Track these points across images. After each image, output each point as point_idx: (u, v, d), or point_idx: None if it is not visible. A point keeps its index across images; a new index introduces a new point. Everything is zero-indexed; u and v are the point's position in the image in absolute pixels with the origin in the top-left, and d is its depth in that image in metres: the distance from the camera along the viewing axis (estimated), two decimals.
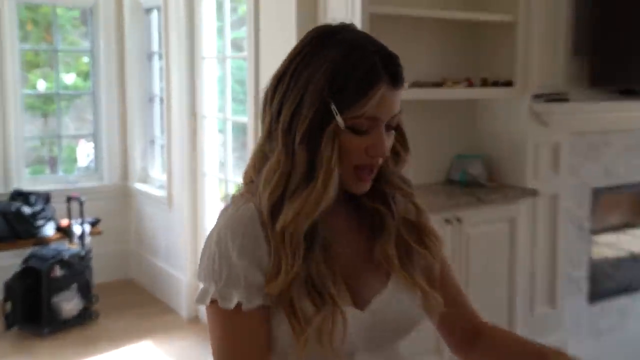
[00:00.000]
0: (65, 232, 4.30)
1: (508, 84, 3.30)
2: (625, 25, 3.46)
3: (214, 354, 1.06)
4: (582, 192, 3.66)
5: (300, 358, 1.01)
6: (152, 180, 4.81)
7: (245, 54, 3.49)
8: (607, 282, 3.93)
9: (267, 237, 1.02)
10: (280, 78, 1.05)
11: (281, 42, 3.10)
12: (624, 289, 3.97)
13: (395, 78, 1.03)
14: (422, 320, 1.15)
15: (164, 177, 4.53)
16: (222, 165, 4.04)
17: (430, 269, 1.17)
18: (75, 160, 5.19)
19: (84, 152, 5.12)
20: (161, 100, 4.58)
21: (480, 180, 3.39)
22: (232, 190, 4.03)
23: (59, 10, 4.93)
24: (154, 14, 4.63)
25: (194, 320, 4.19)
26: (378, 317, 1.08)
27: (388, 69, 1.02)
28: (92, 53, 4.91)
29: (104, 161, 4.95)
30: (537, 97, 3.35)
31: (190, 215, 4.15)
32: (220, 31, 3.91)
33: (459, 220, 3.05)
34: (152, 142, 4.86)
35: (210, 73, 3.98)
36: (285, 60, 1.07)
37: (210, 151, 4.08)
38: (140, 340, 3.91)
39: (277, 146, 1.04)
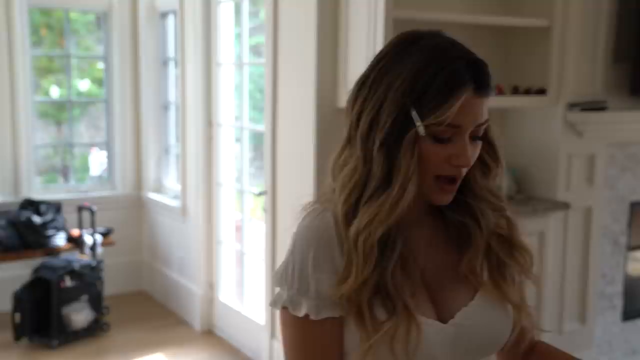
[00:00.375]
0: (76, 243, 4.21)
1: (541, 92, 3.15)
2: None
3: (285, 357, 1.08)
4: (618, 206, 3.51)
5: None
6: (166, 190, 4.70)
7: (263, 60, 3.36)
8: None
9: (341, 243, 1.02)
10: (362, 84, 1.04)
11: (300, 49, 2.98)
12: None
13: (480, 85, 0.99)
14: (509, 336, 1.11)
15: (178, 187, 4.42)
16: (239, 175, 3.91)
17: (521, 284, 1.14)
18: (87, 169, 5.08)
19: (97, 161, 5.01)
20: (176, 107, 4.48)
21: (509, 192, 3.24)
22: (248, 201, 3.93)
23: (73, 15, 4.85)
24: (170, 19, 4.52)
25: (208, 333, 4.10)
26: (462, 331, 1.05)
27: (472, 75, 0.99)
28: (106, 59, 4.81)
29: (117, 170, 4.85)
30: (573, 106, 3.21)
31: (205, 226, 4.03)
32: (238, 37, 3.79)
33: None
34: (167, 150, 4.75)
35: (227, 80, 3.86)
36: (368, 65, 1.06)
37: (227, 161, 3.96)
38: (152, 353, 3.83)
39: (355, 152, 1.03)
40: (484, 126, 1.03)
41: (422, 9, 2.91)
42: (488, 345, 1.10)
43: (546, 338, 3.34)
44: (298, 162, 3.08)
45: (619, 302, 3.62)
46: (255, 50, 4.15)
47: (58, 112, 4.98)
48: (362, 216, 1.01)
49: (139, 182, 4.85)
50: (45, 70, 4.94)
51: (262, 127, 3.45)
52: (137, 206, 4.85)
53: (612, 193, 3.46)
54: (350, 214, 1.02)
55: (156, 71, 4.64)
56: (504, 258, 1.11)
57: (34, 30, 4.74)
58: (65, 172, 4.97)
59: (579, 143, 3.26)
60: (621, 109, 3.29)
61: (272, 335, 3.39)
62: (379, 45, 2.65)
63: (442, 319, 1.05)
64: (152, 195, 4.72)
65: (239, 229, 4.00)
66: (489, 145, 1.08)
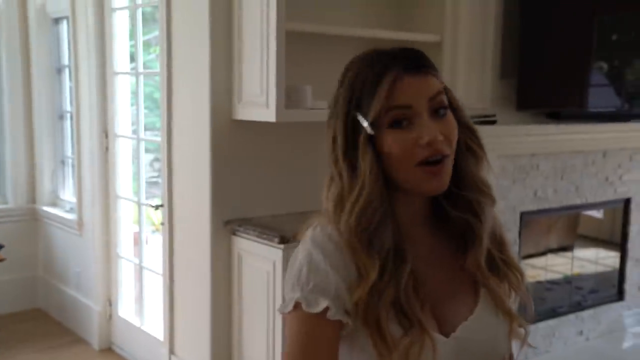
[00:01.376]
0: None
1: None
2: (551, 50, 3.49)
3: (289, 357, 1.03)
4: (510, 216, 3.66)
5: None
6: (63, 203, 4.57)
7: (157, 70, 3.32)
8: (534, 304, 3.93)
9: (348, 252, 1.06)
10: (327, 122, 1.12)
11: (195, 61, 2.97)
12: (553, 312, 3.99)
13: (409, 64, 1.04)
14: (508, 348, 1.14)
15: (74, 200, 4.31)
16: (138, 187, 3.85)
17: (509, 296, 1.15)
18: None
19: None
20: (71, 117, 4.36)
21: None
22: (146, 214, 3.87)
23: None
24: (64, 25, 4.40)
25: (107, 351, 4.01)
26: (464, 344, 1.07)
27: (399, 59, 1.05)
28: None
29: (8, 182, 4.67)
30: None
31: (102, 239, 3.95)
32: (135, 46, 3.74)
33: None
34: (63, 162, 4.62)
35: (123, 89, 3.80)
36: None
37: (124, 172, 3.89)
38: None
39: (333, 173, 1.10)
40: (440, 97, 1.06)
41: (315, 22, 2.96)
42: (489, 357, 1.11)
43: None
44: (194, 174, 3.06)
45: (513, 307, 3.77)
46: (149, 60, 4.10)
47: None
48: (342, 217, 1.06)
49: (32, 194, 4.69)
50: None
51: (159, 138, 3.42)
52: (31, 220, 4.68)
53: (505, 203, 3.61)
54: (337, 221, 1.07)
55: (50, 79, 4.50)
56: (498, 261, 1.14)
57: None
58: None
59: None
60: (509, 123, 3.44)
61: (171, 350, 3.35)
62: (272, 58, 2.69)
63: (444, 332, 1.07)
64: (47, 209, 4.57)
65: (138, 242, 3.94)
66: (469, 130, 1.13)
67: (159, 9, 3.16)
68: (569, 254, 4.18)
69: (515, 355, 1.21)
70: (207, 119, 2.91)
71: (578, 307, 4.15)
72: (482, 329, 1.09)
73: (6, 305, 4.35)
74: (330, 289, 1.03)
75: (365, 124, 1.05)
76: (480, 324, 1.09)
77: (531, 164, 3.70)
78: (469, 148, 1.12)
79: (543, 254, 4.07)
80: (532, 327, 3.58)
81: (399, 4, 3.34)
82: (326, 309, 1.01)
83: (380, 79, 1.03)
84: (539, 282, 4.03)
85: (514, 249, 3.62)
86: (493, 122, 3.37)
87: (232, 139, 2.97)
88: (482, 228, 1.11)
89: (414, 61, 1.05)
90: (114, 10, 3.71)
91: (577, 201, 3.98)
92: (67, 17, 4.10)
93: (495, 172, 3.42)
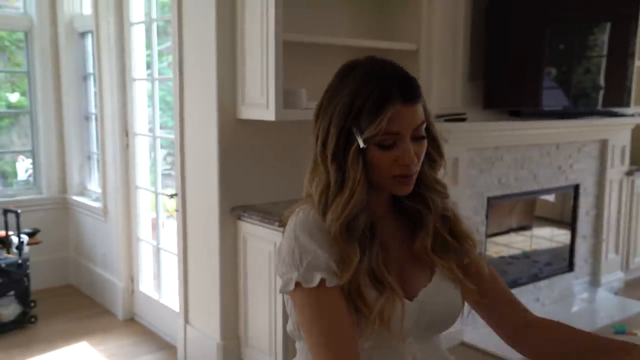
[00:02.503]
0: (3, 243, 3.93)
1: None
2: (512, 57, 3.44)
3: (308, 335, 1.04)
4: (478, 201, 3.61)
5: (365, 340, 1.03)
6: (89, 193, 4.48)
7: (172, 76, 3.24)
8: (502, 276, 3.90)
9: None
10: (317, 111, 1.10)
11: (203, 68, 2.89)
12: (514, 283, 3.95)
13: (406, 96, 1.03)
14: (462, 311, 1.15)
15: (99, 190, 4.21)
16: (154, 179, 3.77)
17: (464, 265, 1.15)
18: (17, 175, 4.77)
19: (23, 167, 4.71)
20: (96, 118, 4.27)
21: None
22: (162, 202, 3.79)
23: (2, 34, 4.53)
24: (89, 38, 4.30)
25: (130, 321, 3.93)
26: (425, 307, 1.09)
27: (399, 89, 1.03)
28: (29, 74, 4.51)
29: (43, 175, 4.56)
30: (438, 117, 3.27)
31: (124, 224, 3.87)
32: (150, 55, 3.65)
33: None
34: (89, 157, 4.52)
35: (141, 93, 3.71)
36: (322, 95, 1.11)
37: (143, 166, 3.80)
38: (77, 341, 3.62)
39: (319, 167, 1.10)
40: (422, 126, 1.07)
41: (308, 33, 2.89)
42: (447, 319, 1.13)
43: None
44: (204, 167, 2.99)
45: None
46: (171, 67, 4.00)
47: None
48: (329, 217, 1.06)
49: (63, 186, 4.59)
50: None
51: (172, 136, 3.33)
52: (62, 208, 4.59)
53: (473, 190, 3.56)
54: (324, 214, 1.07)
55: (77, 85, 4.39)
56: (447, 237, 1.15)
57: None
58: (3, 178, 4.64)
59: (445, 148, 3.32)
60: (477, 120, 3.38)
61: (186, 320, 3.29)
62: (271, 64, 2.61)
63: (408, 297, 1.08)
64: (76, 198, 4.48)
65: (155, 227, 3.87)
66: (433, 141, 1.13)
67: (171, 23, 3.07)
68: (527, 232, 4.14)
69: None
70: (215, 118, 2.84)
71: (535, 278, 4.11)
72: (439, 294, 1.12)
73: (43, 282, 4.26)
74: (321, 264, 1.03)
75: (359, 139, 1.04)
76: (437, 289, 1.12)
77: (496, 155, 3.64)
78: (429, 156, 1.13)
79: (506, 232, 4.03)
80: None
81: (381, 16, 3.27)
82: (322, 281, 1.02)
83: (382, 109, 1.02)
84: (502, 257, 3.98)
85: (481, 229, 3.59)
86: (463, 120, 3.31)
87: (236, 136, 2.90)
88: (430, 216, 1.14)
89: (411, 91, 1.05)
90: (132, 24, 3.61)
91: (535, 187, 3.93)
92: (91, 31, 4.00)
93: (465, 163, 3.39)
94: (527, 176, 3.84)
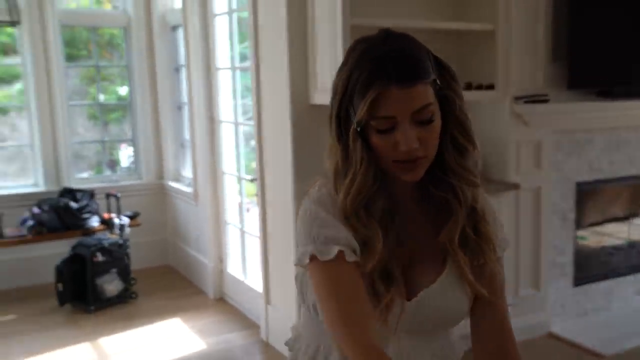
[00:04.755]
0: (107, 224, 4.35)
1: (490, 87, 3.17)
2: (600, 31, 3.28)
3: (326, 311, 0.99)
4: (565, 186, 3.50)
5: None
6: (183, 178, 4.82)
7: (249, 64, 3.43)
8: (593, 267, 3.76)
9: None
10: (332, 86, 1.06)
11: (277, 55, 3.03)
12: (609, 274, 3.79)
13: (402, 77, 0.95)
14: (465, 315, 1.09)
15: (191, 176, 4.53)
16: (238, 164, 4.00)
17: (480, 268, 1.08)
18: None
19: (126, 155, 5.15)
20: (187, 107, 4.58)
21: None
22: (246, 187, 4.01)
23: (115, 31, 4.95)
24: (180, 31, 4.62)
25: (220, 300, 4.21)
26: (421, 309, 1.05)
27: (393, 69, 0.95)
28: (128, 67, 4.93)
29: (142, 162, 4.98)
30: (518, 98, 3.22)
31: (212, 209, 4.14)
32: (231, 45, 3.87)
33: None
34: (183, 145, 4.86)
35: (225, 82, 3.94)
36: None
37: (228, 152, 4.05)
38: (172, 317, 3.95)
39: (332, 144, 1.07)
40: (426, 110, 0.98)
41: (379, 16, 2.94)
42: (445, 322, 1.08)
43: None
44: (279, 152, 3.15)
45: (569, 270, 3.63)
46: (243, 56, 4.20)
47: (103, 114, 5.10)
48: (340, 194, 1.03)
49: (160, 172, 4.98)
50: (91, 79, 5.04)
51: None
52: (160, 193, 4.97)
53: (560, 175, 3.46)
54: (336, 191, 1.05)
55: (170, 77, 4.73)
56: (471, 235, 1.07)
57: (84, 45, 4.86)
58: (111, 164, 5.07)
59: (526, 131, 3.27)
60: (561, 101, 3.28)
61: (267, 301, 3.48)
62: (340, 50, 2.70)
63: (407, 294, 1.04)
64: (172, 183, 4.84)
65: (241, 210, 4.09)
66: (460, 126, 1.05)
67: (248, 15, 3.25)
68: (629, 221, 3.94)
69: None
70: (288, 104, 2.98)
71: (636, 269, 3.91)
72: (442, 296, 1.05)
73: (143, 262, 4.65)
74: (340, 237, 0.99)
75: (354, 121, 1.00)
76: (441, 291, 1.05)
77: (586, 138, 3.50)
78: (455, 140, 1.06)
79: (606, 221, 3.86)
80: (592, 287, 3.40)
81: None
82: (340, 254, 0.98)
83: (369, 87, 0.96)
84: (603, 247, 3.84)
85: (569, 215, 3.49)
86: (546, 101, 3.22)
87: (310, 121, 3.01)
88: (459, 208, 1.06)
89: (406, 71, 0.96)
90: (215, 15, 3.85)
91: (633, 172, 3.73)
92: (181, 25, 4.29)
93: (549, 146, 3.30)
94: (622, 160, 3.65)
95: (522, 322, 3.36)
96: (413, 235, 1.08)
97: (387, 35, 1.01)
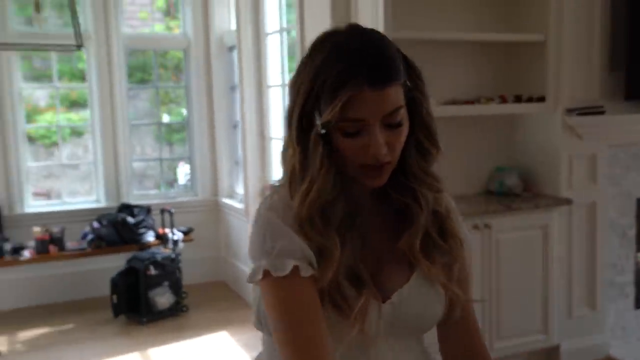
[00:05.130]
0: (162, 239, 4.49)
1: (541, 99, 3.10)
2: None
3: (276, 331, 0.94)
4: (625, 202, 3.36)
5: (341, 339, 0.95)
6: (237, 195, 4.91)
7: None
8: None
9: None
10: (289, 84, 1.00)
11: None
12: None
13: (374, 79, 0.89)
14: (442, 315, 1.05)
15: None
16: None
17: (450, 267, 1.05)
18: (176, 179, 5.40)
19: (183, 172, 5.31)
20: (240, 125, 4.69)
21: (516, 190, 3.20)
22: None
23: (178, 53, 5.16)
24: (235, 52, 4.76)
25: None
26: (398, 310, 1.00)
27: (366, 70, 0.89)
28: (186, 88, 5.11)
29: (198, 179, 5.12)
30: (571, 110, 3.13)
31: None
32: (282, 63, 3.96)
33: (487, 226, 2.88)
34: (237, 162, 4.97)
35: (276, 100, 4.03)
36: None
37: (278, 168, 4.10)
38: (220, 330, 4.01)
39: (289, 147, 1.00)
40: (397, 113, 0.93)
41: (424, 29, 2.94)
42: (422, 323, 1.05)
43: (555, 323, 3.23)
44: None
45: (630, 291, 3.45)
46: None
47: (168, 135, 5.31)
48: (295, 200, 0.96)
49: (215, 189, 5.10)
50: (161, 101, 5.24)
51: None
52: (214, 209, 5.08)
53: (618, 189, 3.32)
54: (292, 197, 0.98)
55: (226, 96, 4.87)
56: (436, 238, 1.04)
57: (156, 69, 5.10)
58: (172, 182, 5.27)
59: (579, 144, 3.17)
60: (618, 113, 3.16)
61: None
62: None
63: (381, 297, 1.00)
64: (226, 200, 4.94)
65: None
66: (426, 129, 1.01)
67: (296, 32, 3.33)
68: None
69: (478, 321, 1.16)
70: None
71: None
72: (415, 297, 1.01)
73: (195, 277, 4.74)
74: (295, 249, 0.93)
75: (318, 122, 0.93)
76: (414, 291, 1.01)
77: None
78: (419, 144, 1.01)
79: None
80: None
81: (505, 6, 3.21)
82: (295, 269, 0.92)
83: (340, 89, 0.89)
84: None
85: (629, 232, 3.33)
86: (601, 113, 3.12)
87: None
88: (420, 214, 1.01)
89: (379, 73, 0.90)
90: (266, 35, 3.96)
91: None
92: (235, 46, 4.42)
93: (605, 160, 3.18)
94: None
95: (577, 343, 3.23)
96: (377, 239, 1.03)
97: (357, 32, 0.94)
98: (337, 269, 0.94)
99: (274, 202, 0.98)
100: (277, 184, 1.03)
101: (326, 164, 0.95)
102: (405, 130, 0.96)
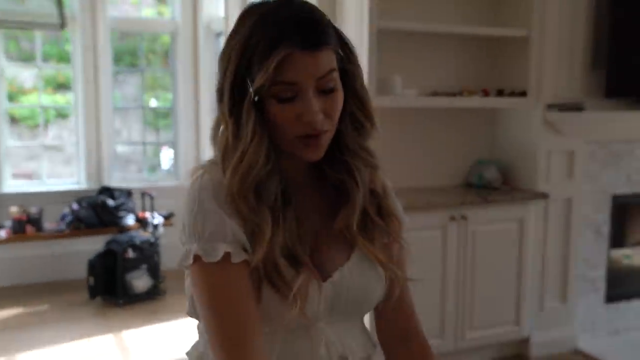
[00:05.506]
0: (142, 222, 4.47)
1: (523, 94, 3.13)
2: None
3: (205, 319, 0.91)
4: (600, 198, 3.40)
5: (283, 321, 0.93)
6: None
7: None
8: (628, 284, 3.62)
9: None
10: (218, 59, 0.98)
11: None
12: None
13: (306, 40, 0.88)
14: (382, 295, 1.03)
15: None
16: None
17: (389, 247, 1.05)
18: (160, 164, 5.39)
19: (166, 157, 5.30)
20: None
21: (495, 184, 3.23)
22: None
23: (166, 38, 5.12)
24: (222, 39, 4.75)
25: None
26: (339, 289, 0.98)
27: (297, 32, 0.88)
28: (173, 74, 5.09)
29: (181, 165, 5.11)
30: (551, 106, 3.16)
31: None
32: None
33: (463, 217, 2.91)
34: None
35: None
36: None
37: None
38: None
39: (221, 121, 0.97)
40: (329, 77, 0.91)
41: (408, 19, 2.96)
42: (363, 303, 1.02)
43: (527, 314, 3.26)
44: None
45: (601, 285, 3.50)
46: None
47: (155, 120, 5.29)
48: (227, 175, 0.93)
49: None
50: (149, 86, 5.21)
51: None
52: None
53: (594, 186, 3.36)
54: (224, 173, 0.94)
55: (212, 82, 4.82)
56: (374, 217, 1.02)
57: (142, 53, 5.07)
58: (155, 167, 5.24)
59: (558, 140, 3.21)
60: (597, 110, 3.20)
61: None
62: (365, 52, 2.74)
63: (321, 277, 0.98)
64: None
65: None
66: (360, 102, 0.99)
67: None
68: None
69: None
70: None
71: None
72: (356, 275, 1.00)
73: (174, 261, 4.67)
74: (226, 232, 0.91)
75: (251, 89, 0.90)
76: (355, 270, 1.00)
77: (625, 149, 3.40)
78: (354, 118, 0.99)
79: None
80: (626, 305, 3.26)
81: (486, 0, 3.23)
82: (227, 255, 0.90)
83: (273, 50, 0.88)
84: (633, 263, 3.68)
85: (603, 229, 3.38)
86: (581, 109, 3.15)
87: None
88: (356, 190, 1.00)
89: (311, 35, 0.89)
90: None
91: None
92: (223, 32, 4.41)
93: (583, 156, 3.22)
94: None
95: (546, 336, 3.27)
96: (314, 218, 1.01)
97: (286, 1, 0.93)
98: (272, 248, 0.92)
99: (204, 181, 0.94)
100: (207, 164, 0.99)
101: (259, 132, 0.92)
102: (340, 97, 0.94)
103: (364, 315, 1.07)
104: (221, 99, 0.95)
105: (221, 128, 0.97)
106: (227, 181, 0.92)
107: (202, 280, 0.91)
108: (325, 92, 0.92)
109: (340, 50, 0.95)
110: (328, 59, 0.91)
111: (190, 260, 0.91)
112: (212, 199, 0.92)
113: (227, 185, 0.92)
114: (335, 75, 0.93)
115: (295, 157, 0.97)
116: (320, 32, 0.90)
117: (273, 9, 0.91)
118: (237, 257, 0.90)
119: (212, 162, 0.99)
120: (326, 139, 0.95)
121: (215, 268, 0.90)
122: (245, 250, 0.92)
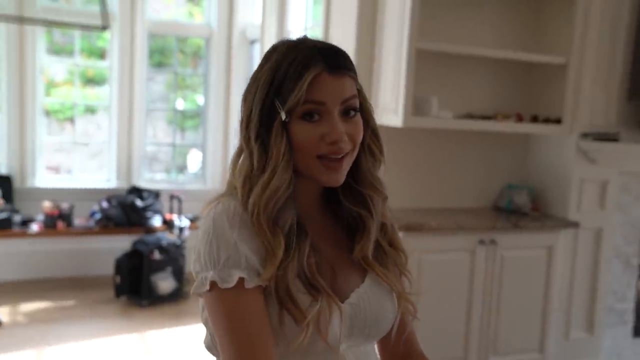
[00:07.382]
0: (168, 224, 4.54)
1: (558, 121, 3.13)
2: None
3: (222, 342, 0.94)
4: (631, 230, 3.38)
5: (301, 345, 0.94)
6: None
7: None
8: None
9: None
10: (243, 95, 1.05)
11: None
12: None
13: (331, 64, 0.97)
14: (394, 320, 1.07)
15: None
16: None
17: (399, 279, 1.11)
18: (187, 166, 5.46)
19: (195, 160, 5.37)
20: None
21: (524, 209, 3.23)
22: None
23: (198, 40, 5.22)
24: (257, 45, 4.81)
25: None
26: (357, 310, 1.02)
27: (323, 57, 0.97)
28: (205, 77, 5.16)
29: (209, 168, 5.18)
30: (586, 135, 3.16)
31: None
32: None
33: (493, 242, 2.92)
34: None
35: None
36: None
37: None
38: None
39: (245, 149, 1.02)
40: (352, 101, 0.99)
41: (446, 41, 2.98)
42: (380, 323, 1.06)
43: (552, 344, 3.26)
44: None
45: (629, 318, 3.48)
46: None
47: (182, 120, 5.38)
48: (251, 198, 0.97)
49: (225, 180, 5.11)
50: (178, 86, 5.28)
51: None
52: None
53: (625, 218, 3.34)
54: (246, 201, 0.98)
55: (244, 88, 4.91)
56: (387, 248, 1.09)
57: (170, 53, 5.16)
58: (181, 168, 5.32)
59: (592, 169, 3.20)
60: (633, 142, 3.19)
61: None
62: (403, 70, 2.76)
63: (339, 300, 1.01)
64: None
65: None
66: (374, 134, 1.06)
67: (319, 31, 3.37)
68: None
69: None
70: None
71: None
72: (372, 298, 1.04)
73: None
74: (241, 260, 0.94)
75: (281, 110, 0.96)
76: (370, 292, 1.04)
77: None
78: (370, 149, 1.06)
79: None
80: None
81: (528, 26, 3.24)
82: (241, 280, 0.93)
83: (304, 73, 0.95)
84: None
85: (633, 261, 3.36)
86: (615, 140, 3.15)
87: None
88: (371, 221, 1.06)
89: (336, 61, 0.98)
90: (289, 32, 4.00)
91: None
92: (258, 40, 4.47)
93: (616, 187, 3.21)
94: None
95: None
96: (326, 246, 1.05)
97: (308, 38, 1.02)
98: (285, 273, 0.95)
99: (218, 210, 0.98)
100: (219, 196, 1.03)
101: (287, 155, 0.97)
102: (361, 121, 1.01)
103: (379, 338, 1.11)
104: (247, 126, 1.01)
105: (242, 157, 1.03)
106: (256, 197, 0.96)
107: (217, 306, 0.94)
108: (348, 116, 0.99)
109: (357, 83, 1.03)
110: (351, 85, 1.00)
111: (207, 287, 0.94)
112: (226, 226, 0.95)
113: (250, 208, 0.97)
114: (357, 101, 1.01)
115: (311, 184, 1.03)
116: (343, 59, 0.99)
117: (298, 41, 1.00)
118: (251, 283, 0.93)
119: (224, 194, 1.03)
120: (347, 164, 1.00)
121: (230, 294, 0.93)
122: (259, 275, 0.95)
